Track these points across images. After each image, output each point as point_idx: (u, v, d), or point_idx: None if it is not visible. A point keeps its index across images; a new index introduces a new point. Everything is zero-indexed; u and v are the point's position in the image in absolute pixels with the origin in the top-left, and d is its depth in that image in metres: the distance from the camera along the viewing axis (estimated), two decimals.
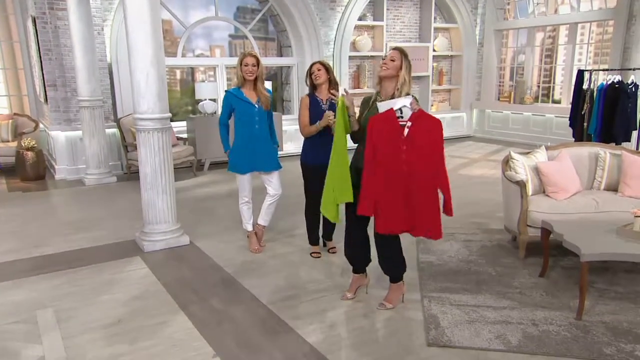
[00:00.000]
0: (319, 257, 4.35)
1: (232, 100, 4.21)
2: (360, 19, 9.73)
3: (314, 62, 4.21)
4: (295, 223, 5.28)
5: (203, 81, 9.27)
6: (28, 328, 3.23)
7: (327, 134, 3.98)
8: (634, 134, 6.90)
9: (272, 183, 4.41)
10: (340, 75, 9.54)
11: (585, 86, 6.98)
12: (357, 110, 3.45)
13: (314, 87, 4.17)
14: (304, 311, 3.39)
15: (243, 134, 4.24)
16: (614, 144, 6.10)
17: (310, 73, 4.12)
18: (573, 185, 4.38)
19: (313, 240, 4.44)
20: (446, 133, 10.94)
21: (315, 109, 4.12)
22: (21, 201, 6.43)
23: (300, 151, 4.30)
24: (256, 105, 4.20)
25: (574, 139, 7.19)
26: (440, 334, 3.05)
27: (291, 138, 9.26)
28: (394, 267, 3.43)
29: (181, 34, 8.63)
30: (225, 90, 4.33)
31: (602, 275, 3.86)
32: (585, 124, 6.92)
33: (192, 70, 9.60)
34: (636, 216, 3.39)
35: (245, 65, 4.12)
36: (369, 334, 3.09)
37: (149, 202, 4.52)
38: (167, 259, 4.39)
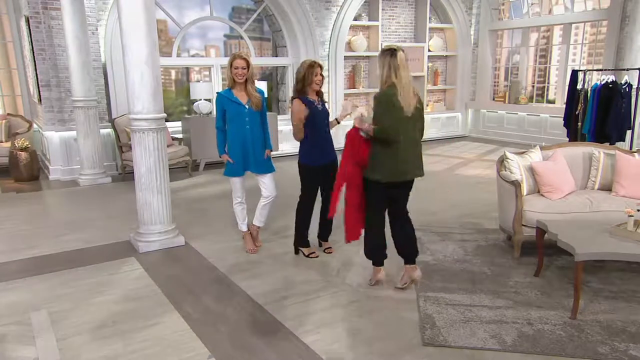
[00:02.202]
0: (317, 257, 4.34)
1: (223, 101, 4.20)
2: (355, 19, 9.74)
3: (314, 61, 4.08)
4: (291, 223, 5.26)
5: (198, 81, 9.24)
6: (22, 329, 3.21)
7: (326, 132, 4.15)
8: (628, 133, 6.94)
9: (266, 184, 4.39)
10: (336, 76, 9.55)
11: (579, 86, 7.01)
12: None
13: (303, 88, 4.08)
14: (299, 311, 3.39)
15: (234, 135, 4.24)
16: (607, 144, 6.13)
17: (313, 74, 4.03)
18: (567, 185, 4.40)
19: (306, 242, 4.42)
20: (441, 133, 11.08)
21: (311, 109, 4.09)
22: (15, 202, 6.39)
23: (301, 154, 4.20)
24: (246, 106, 4.19)
25: (568, 139, 7.22)
26: (435, 333, 3.06)
27: (287, 138, 9.23)
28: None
29: (176, 34, 8.61)
30: (217, 92, 4.32)
31: (596, 275, 3.88)
32: (579, 123, 6.95)
33: (187, 70, 9.58)
34: (629, 215, 3.41)
35: (236, 68, 4.11)
36: (364, 334, 3.09)
37: (144, 203, 4.51)
38: (162, 259, 4.38)
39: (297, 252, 4.42)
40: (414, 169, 3.52)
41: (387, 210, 3.67)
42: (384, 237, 3.67)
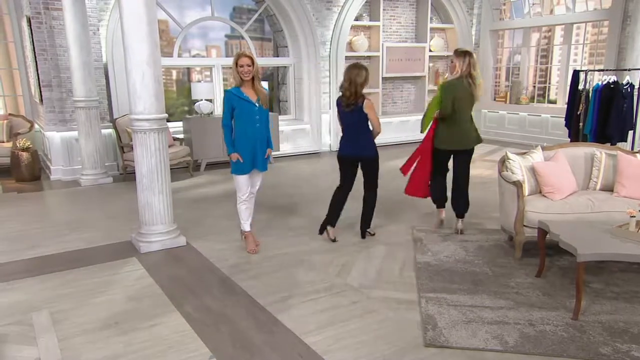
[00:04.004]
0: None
1: (233, 99, 4.19)
2: (356, 19, 9.74)
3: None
4: (292, 224, 5.28)
5: (199, 81, 9.25)
6: (23, 330, 3.21)
7: None
8: (630, 134, 6.93)
9: (257, 183, 4.52)
10: (337, 76, 9.54)
11: (580, 86, 7.00)
12: None
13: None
14: (300, 312, 3.39)
15: (245, 133, 4.23)
16: (609, 144, 6.12)
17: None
18: (569, 186, 4.39)
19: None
20: None
21: None
22: (16, 202, 6.39)
23: (375, 148, 4.59)
24: (256, 105, 4.21)
25: (569, 139, 7.21)
26: (437, 334, 3.06)
27: (287, 138, 9.25)
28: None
29: (177, 34, 8.61)
30: (225, 90, 4.32)
31: (598, 275, 3.88)
32: (580, 124, 6.94)
33: (188, 71, 9.58)
34: (631, 216, 3.40)
35: (241, 66, 4.12)
36: (365, 335, 3.09)
37: (145, 203, 4.51)
38: (164, 259, 4.38)
39: (364, 236, 4.82)
40: (464, 142, 4.78)
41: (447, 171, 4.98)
42: (442, 190, 5.01)
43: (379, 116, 10.04)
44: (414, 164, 5.00)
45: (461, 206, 4.90)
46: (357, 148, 4.56)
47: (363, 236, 4.79)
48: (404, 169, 5.06)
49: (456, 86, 4.64)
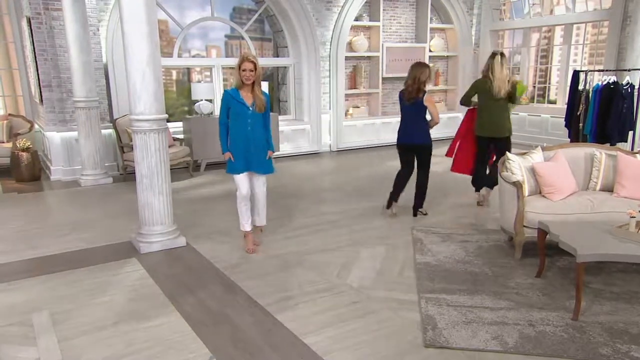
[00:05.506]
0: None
1: (229, 99, 4.25)
2: (356, 19, 9.74)
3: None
4: (292, 224, 5.29)
5: (199, 82, 9.25)
6: (23, 330, 3.21)
7: None
8: (630, 134, 6.93)
9: (258, 185, 4.47)
10: (337, 76, 9.54)
11: (580, 87, 7.00)
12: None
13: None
14: (300, 312, 3.39)
15: (237, 134, 4.28)
16: (609, 145, 6.12)
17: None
18: (569, 186, 4.39)
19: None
20: (443, 134, 11.04)
21: None
22: (16, 202, 6.40)
23: (428, 137, 5.33)
24: (250, 108, 4.24)
25: (569, 140, 7.21)
26: (437, 335, 3.06)
27: (288, 138, 9.25)
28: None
29: (177, 34, 8.61)
30: (224, 90, 4.37)
31: (598, 276, 3.88)
32: (580, 124, 6.94)
33: (188, 71, 9.58)
34: (631, 217, 3.40)
35: (244, 70, 4.16)
36: (365, 335, 3.09)
37: (145, 203, 4.51)
38: (164, 260, 4.38)
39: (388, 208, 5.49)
40: (492, 130, 5.54)
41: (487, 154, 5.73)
42: (481, 176, 5.78)
43: (380, 116, 10.21)
44: (456, 147, 5.93)
45: (489, 182, 5.71)
46: (412, 137, 5.29)
47: (415, 214, 5.43)
48: (448, 153, 6.03)
49: (478, 83, 5.56)
